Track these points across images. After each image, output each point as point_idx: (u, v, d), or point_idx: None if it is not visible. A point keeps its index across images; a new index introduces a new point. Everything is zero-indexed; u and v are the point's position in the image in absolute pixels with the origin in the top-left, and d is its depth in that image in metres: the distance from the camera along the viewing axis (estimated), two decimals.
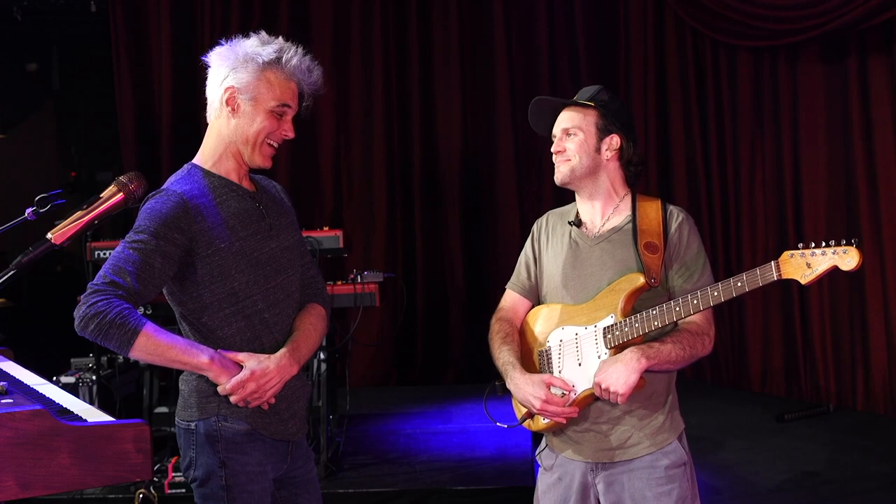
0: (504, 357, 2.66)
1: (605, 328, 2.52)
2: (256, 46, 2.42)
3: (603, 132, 2.63)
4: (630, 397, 2.45)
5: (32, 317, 7.04)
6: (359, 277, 4.90)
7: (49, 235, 2.24)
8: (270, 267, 2.46)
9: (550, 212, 2.85)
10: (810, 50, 6.11)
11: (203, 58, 2.50)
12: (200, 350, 2.34)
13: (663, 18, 6.84)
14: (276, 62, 2.42)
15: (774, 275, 2.31)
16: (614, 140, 2.64)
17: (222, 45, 2.47)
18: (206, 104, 2.51)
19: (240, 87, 2.41)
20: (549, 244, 2.76)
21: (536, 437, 4.94)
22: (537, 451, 2.74)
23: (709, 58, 6.70)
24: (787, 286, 6.26)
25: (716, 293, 2.37)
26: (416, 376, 7.09)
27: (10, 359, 2.74)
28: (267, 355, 2.41)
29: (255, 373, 2.36)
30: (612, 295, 2.53)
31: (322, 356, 4.70)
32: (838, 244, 2.28)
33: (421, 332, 7.13)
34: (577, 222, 2.69)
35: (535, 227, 2.86)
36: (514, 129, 7.00)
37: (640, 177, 2.70)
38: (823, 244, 2.30)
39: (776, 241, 6.39)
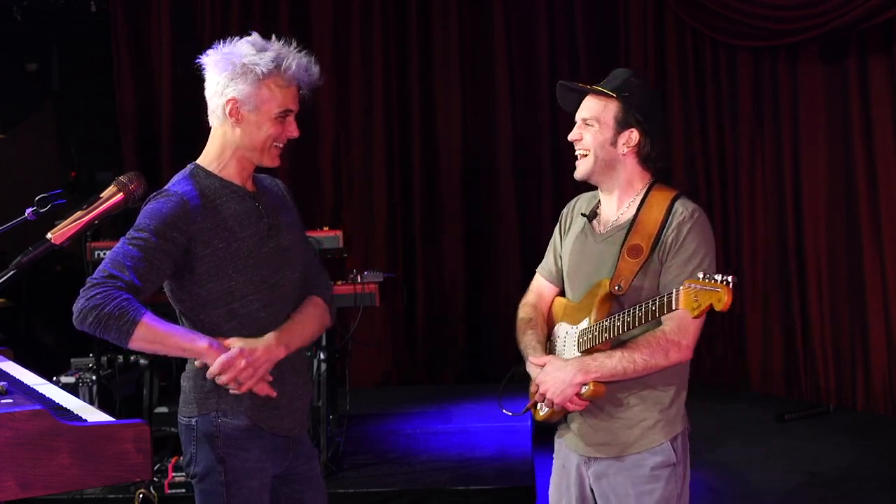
0: (526, 340, 2.68)
1: (581, 331, 2.55)
2: (253, 55, 2.41)
3: (622, 125, 2.54)
4: (616, 395, 2.49)
5: (32, 317, 7.03)
6: (359, 277, 4.90)
7: (49, 235, 2.24)
8: (268, 267, 2.48)
9: (583, 194, 2.76)
10: (810, 50, 6.11)
11: (197, 60, 2.50)
12: (199, 336, 2.37)
13: (663, 18, 6.84)
14: (276, 70, 2.41)
15: (674, 305, 2.27)
16: (633, 135, 2.54)
17: (216, 48, 2.47)
18: (206, 103, 2.52)
19: (241, 98, 2.42)
20: (568, 231, 2.72)
21: (537, 437, 4.95)
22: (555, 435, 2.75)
23: (709, 58, 6.69)
24: (788, 284, 6.26)
25: (639, 313, 2.35)
26: (416, 376, 7.08)
27: (10, 359, 2.74)
28: (255, 339, 2.42)
29: (244, 351, 2.38)
30: (590, 298, 2.54)
31: (322, 356, 4.70)
32: (720, 282, 2.17)
33: (421, 332, 7.12)
34: (592, 215, 2.65)
35: (564, 210, 2.79)
36: (514, 129, 7.00)
37: (664, 173, 2.60)
38: (711, 278, 2.19)
39: (776, 241, 6.39)
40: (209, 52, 2.48)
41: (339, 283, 4.92)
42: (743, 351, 6.58)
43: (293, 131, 2.50)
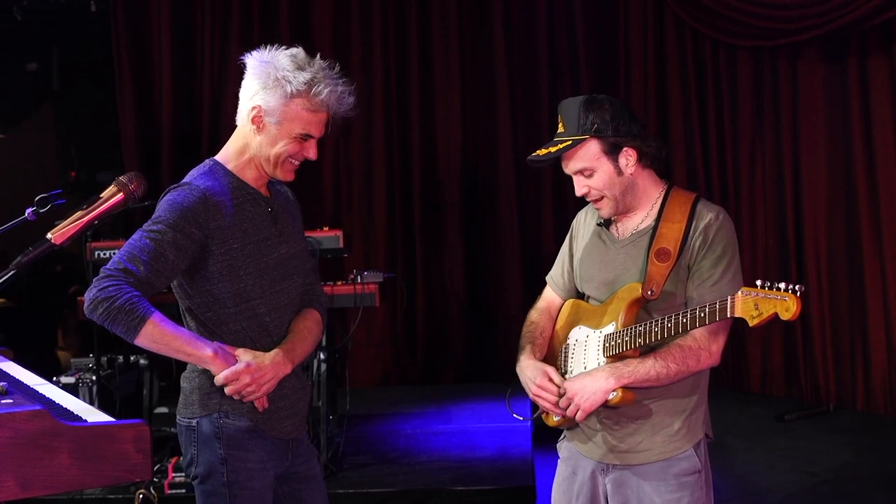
0: (521, 342, 2.66)
1: (606, 335, 2.50)
2: (289, 70, 2.39)
3: (613, 152, 2.47)
4: (639, 402, 2.44)
5: (32, 317, 7.03)
6: (359, 277, 4.90)
7: (49, 235, 2.24)
8: (277, 272, 2.50)
9: (590, 205, 2.69)
10: (810, 50, 6.11)
11: (241, 58, 2.48)
12: (205, 342, 2.38)
13: (663, 18, 6.83)
14: (306, 92, 2.39)
15: (728, 313, 2.24)
16: (629, 152, 2.47)
17: (260, 51, 2.45)
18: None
19: (267, 109, 2.41)
20: (580, 239, 2.70)
21: (537, 437, 4.94)
22: (558, 440, 2.72)
23: (709, 58, 6.69)
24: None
25: (684, 320, 2.32)
26: (416, 376, 7.08)
27: (10, 359, 2.74)
28: (263, 353, 2.44)
29: (251, 366, 2.39)
30: (617, 302, 2.50)
31: (322, 356, 4.70)
32: (786, 290, 2.16)
33: (421, 332, 7.12)
34: (608, 222, 2.60)
35: (574, 222, 2.76)
36: (514, 130, 6.99)
37: (667, 164, 2.58)
38: (774, 286, 2.18)
39: (776, 241, 6.39)
40: (254, 52, 2.46)
41: (339, 283, 4.92)
42: (743, 351, 6.58)
43: (311, 153, 2.48)
